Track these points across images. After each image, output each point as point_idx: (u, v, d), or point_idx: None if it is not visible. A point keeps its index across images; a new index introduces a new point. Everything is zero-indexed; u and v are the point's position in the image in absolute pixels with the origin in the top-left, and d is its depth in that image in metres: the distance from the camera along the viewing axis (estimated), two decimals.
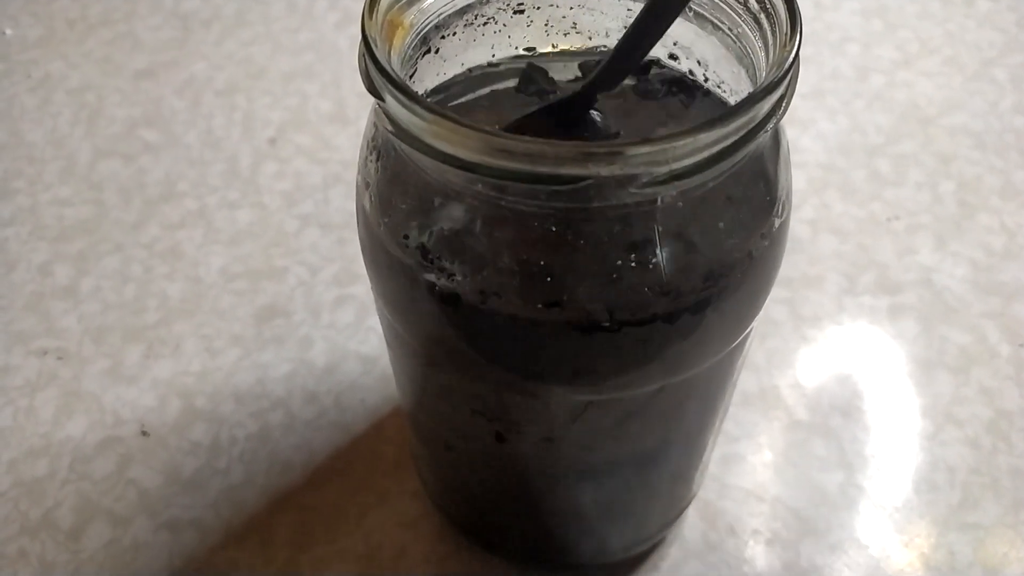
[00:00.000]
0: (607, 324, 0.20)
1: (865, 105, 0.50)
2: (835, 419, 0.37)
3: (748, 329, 0.24)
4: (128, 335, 0.40)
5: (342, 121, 0.50)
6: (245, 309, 0.41)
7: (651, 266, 0.20)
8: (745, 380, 0.38)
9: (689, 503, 0.33)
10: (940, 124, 0.49)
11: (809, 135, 0.49)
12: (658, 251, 0.20)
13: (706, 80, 0.25)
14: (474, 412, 0.25)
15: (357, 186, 0.24)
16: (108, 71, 0.53)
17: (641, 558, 0.33)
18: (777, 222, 0.22)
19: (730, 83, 0.24)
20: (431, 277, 0.21)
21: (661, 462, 0.27)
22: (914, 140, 0.48)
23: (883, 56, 0.53)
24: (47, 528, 0.34)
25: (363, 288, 0.41)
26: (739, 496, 0.35)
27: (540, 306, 0.20)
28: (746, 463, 0.36)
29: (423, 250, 0.21)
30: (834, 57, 0.53)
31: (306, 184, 0.46)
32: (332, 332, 0.40)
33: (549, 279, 0.20)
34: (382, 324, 0.26)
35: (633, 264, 0.20)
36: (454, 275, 0.21)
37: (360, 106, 0.50)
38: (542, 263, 0.20)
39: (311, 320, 0.40)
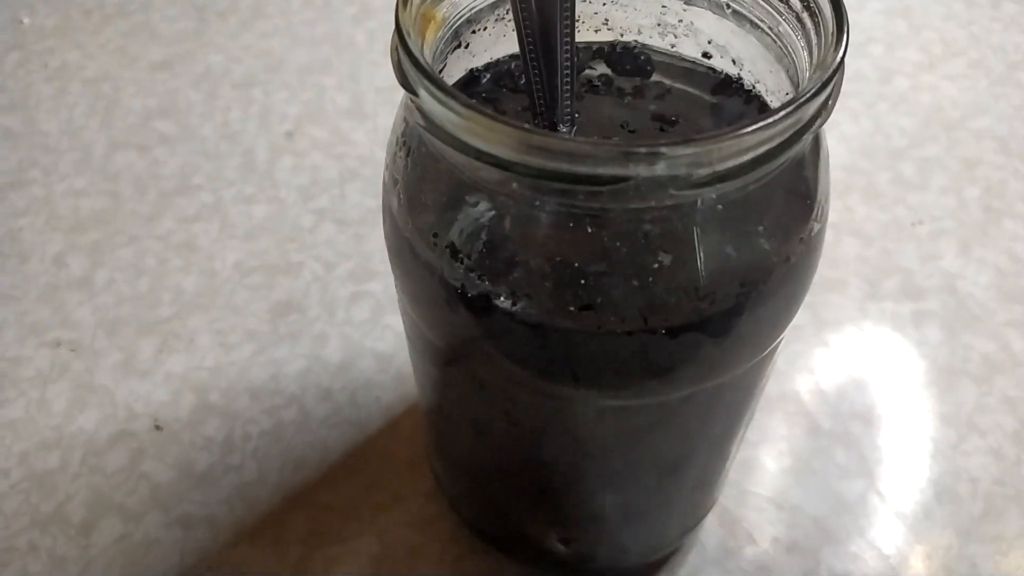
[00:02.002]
0: (641, 329, 0.20)
1: (889, 108, 0.50)
2: (856, 426, 0.36)
3: (781, 336, 0.23)
4: (142, 328, 0.40)
5: (359, 116, 0.49)
6: (260, 304, 0.40)
7: (688, 269, 0.20)
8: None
9: (709, 510, 0.33)
10: (965, 128, 0.49)
11: (832, 137, 0.48)
12: (696, 254, 0.19)
13: (740, 79, 0.25)
14: (496, 414, 0.24)
15: (384, 183, 0.23)
16: (124, 62, 0.53)
17: (659, 564, 0.33)
18: (816, 227, 0.22)
19: (767, 83, 0.24)
20: (460, 277, 0.21)
21: (685, 469, 0.27)
22: (938, 144, 0.48)
23: (907, 58, 0.53)
24: (58, 522, 0.34)
25: (379, 285, 0.41)
26: (758, 503, 0.34)
27: (572, 309, 0.20)
28: (766, 470, 0.35)
29: (453, 249, 0.21)
30: (857, 59, 0.53)
31: (322, 179, 0.45)
32: (348, 329, 0.39)
33: (583, 282, 0.20)
34: (404, 322, 0.26)
35: (670, 267, 0.19)
36: (484, 276, 0.20)
37: (378, 101, 0.50)
38: (576, 265, 0.20)
39: (326, 316, 0.40)
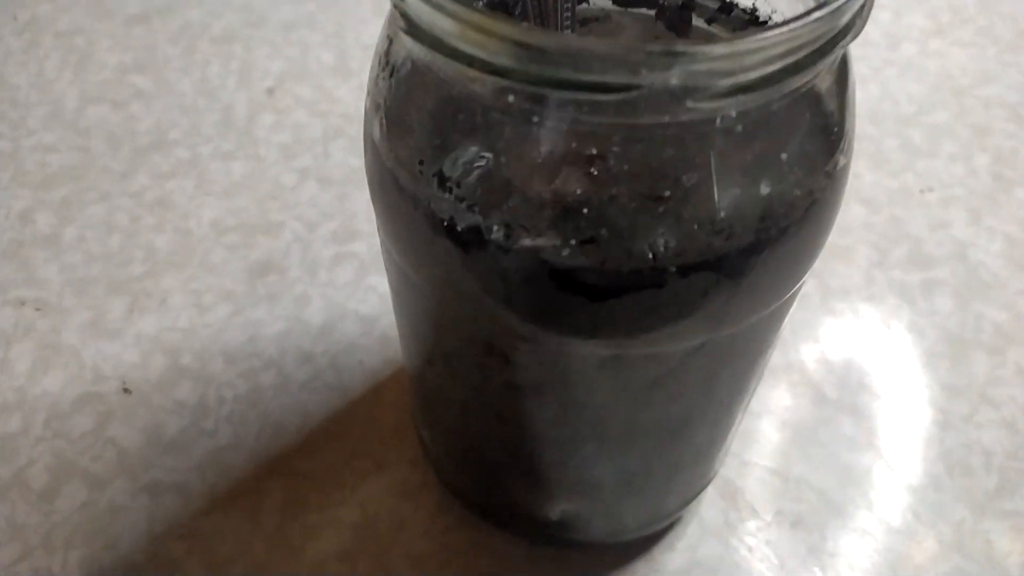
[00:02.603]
0: (649, 267, 0.18)
1: (896, 74, 0.48)
2: (863, 397, 0.35)
3: (800, 282, 0.21)
4: (112, 287, 0.38)
5: (345, 73, 0.47)
6: (237, 264, 0.38)
7: (703, 200, 0.18)
8: None
9: (710, 481, 0.31)
10: (974, 95, 0.47)
11: None
12: (712, 181, 0.17)
13: (755, 10, 0.23)
14: (488, 367, 0.22)
15: (366, 111, 0.21)
16: (99, 15, 0.50)
17: (656, 537, 0.31)
18: (841, 161, 0.20)
19: (784, 11, 0.22)
20: (448, 209, 0.19)
21: (689, 432, 0.25)
22: (947, 111, 0.46)
23: (914, 24, 0.51)
24: (18, 487, 0.32)
25: (364, 246, 0.39)
26: (761, 475, 0.33)
27: (573, 243, 0.18)
28: (769, 441, 0.33)
29: (440, 178, 0.19)
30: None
31: (305, 137, 0.43)
32: (330, 290, 0.37)
33: (585, 211, 0.18)
34: (388, 270, 0.24)
35: (683, 196, 0.18)
36: (475, 206, 0.18)
37: (364, 58, 0.48)
38: (578, 192, 0.18)
39: (307, 277, 0.38)
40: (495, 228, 0.18)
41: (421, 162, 0.19)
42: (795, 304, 0.23)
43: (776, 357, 0.36)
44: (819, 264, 0.38)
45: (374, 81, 0.21)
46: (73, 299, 0.37)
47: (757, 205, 0.18)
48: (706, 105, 0.16)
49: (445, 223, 0.19)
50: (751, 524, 0.31)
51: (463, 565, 0.31)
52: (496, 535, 0.31)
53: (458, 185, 0.19)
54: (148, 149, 0.43)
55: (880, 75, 0.48)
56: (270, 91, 0.45)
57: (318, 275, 0.38)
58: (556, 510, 0.29)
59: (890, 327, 0.37)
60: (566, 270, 0.18)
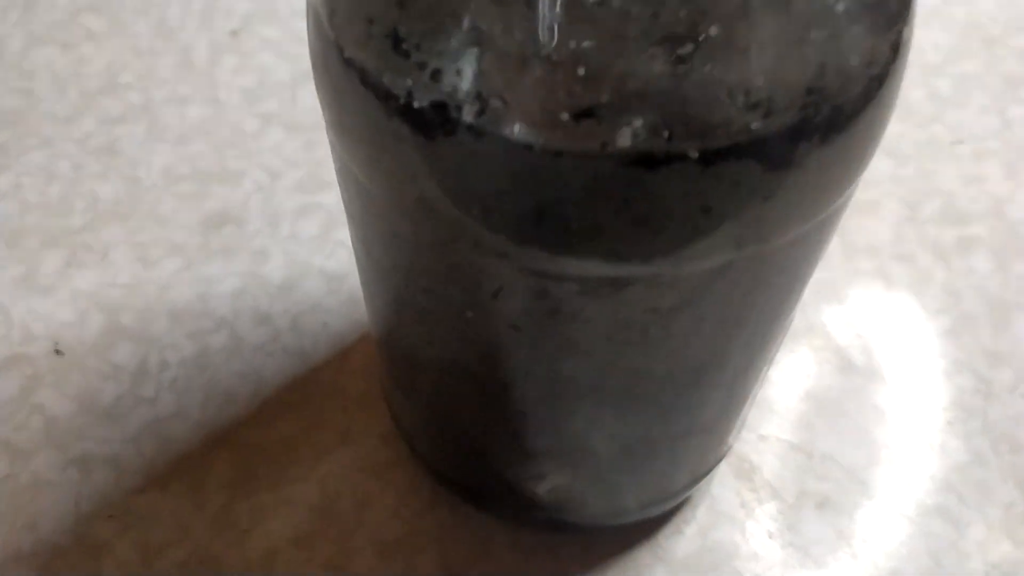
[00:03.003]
0: (663, 151, 0.14)
1: (920, 21, 0.44)
2: (896, 364, 0.31)
3: (852, 187, 0.17)
4: (48, 239, 0.33)
5: None
6: (190, 215, 0.34)
7: (735, 60, 0.13)
8: None
9: (723, 456, 0.27)
10: (1007, 45, 0.43)
11: None
12: (746, 34, 0.13)
13: None
14: (461, 301, 0.18)
15: None
16: None
17: (662, 520, 0.27)
18: (905, 32, 0.16)
19: None
20: (406, 81, 0.15)
21: (701, 388, 0.21)
22: (977, 60, 0.42)
23: None
24: None
25: (332, 197, 0.35)
26: (781, 451, 0.28)
27: (566, 117, 0.14)
28: (790, 412, 0.29)
29: (395, 38, 0.15)
30: None
31: (271, 81, 0.39)
32: (293, 244, 0.33)
33: (581, 72, 0.13)
34: (340, 179, 0.20)
35: (708, 54, 0.13)
36: (439, 73, 0.14)
37: None
38: (570, 46, 0.13)
39: (268, 230, 0.34)
40: (465, 102, 0.14)
41: (371, 22, 0.15)
42: (833, 232, 0.19)
43: (796, 320, 0.32)
44: (843, 220, 0.34)
45: None
46: (3, 251, 0.33)
47: (805, 71, 0.14)
48: None
49: (402, 100, 0.15)
50: (771, 506, 0.27)
51: (438, 551, 0.26)
52: (477, 517, 0.27)
53: (417, 47, 0.14)
54: (97, 93, 0.39)
55: None
56: (234, 33, 0.41)
57: (280, 228, 0.34)
58: (545, 485, 0.25)
59: (923, 287, 0.33)
60: (556, 158, 0.14)
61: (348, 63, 0.16)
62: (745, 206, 0.15)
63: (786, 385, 0.30)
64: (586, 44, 0.13)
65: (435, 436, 0.26)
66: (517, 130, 0.14)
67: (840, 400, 0.30)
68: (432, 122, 0.15)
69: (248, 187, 0.35)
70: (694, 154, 0.14)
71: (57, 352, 0.31)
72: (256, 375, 0.30)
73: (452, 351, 0.21)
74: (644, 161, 0.14)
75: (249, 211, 0.34)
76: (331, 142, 0.18)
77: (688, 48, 0.13)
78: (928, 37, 0.43)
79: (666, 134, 0.14)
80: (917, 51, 0.42)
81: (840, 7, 0.14)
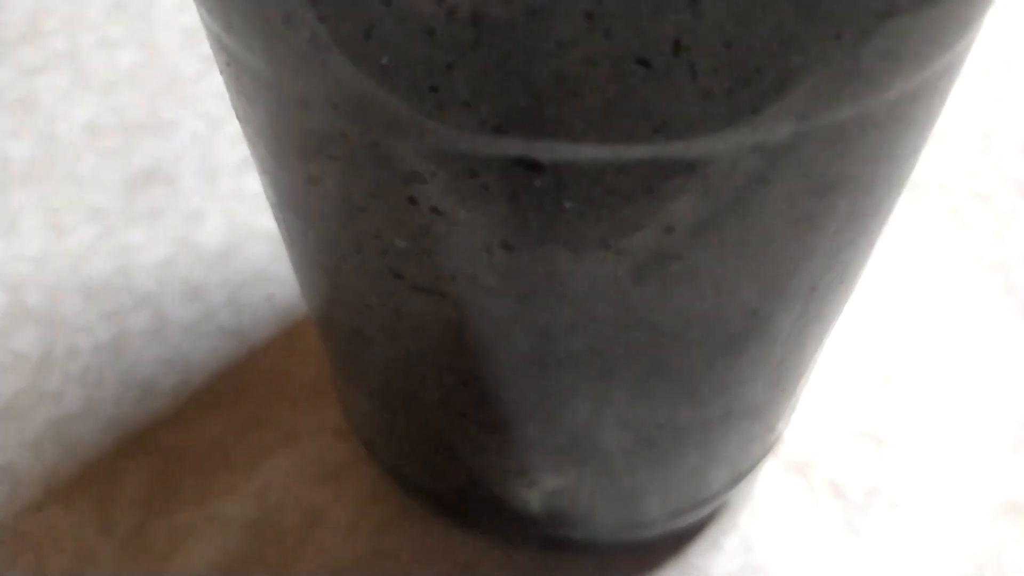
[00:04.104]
0: None
1: None
2: (980, 330, 0.24)
3: (975, 30, 0.11)
4: None
5: None
6: (113, 174, 0.28)
7: None
8: None
9: (771, 447, 0.21)
10: None
11: None
12: None
13: None
14: (391, 229, 0.12)
15: None
16: None
17: (693, 533, 0.21)
18: None
19: None
20: None
21: (747, 353, 0.15)
22: None
23: None
24: None
25: None
26: (845, 439, 0.22)
27: None
28: (853, 391, 0.23)
29: None
30: None
31: None
32: (233, 203, 0.27)
33: None
34: (218, 63, 0.14)
35: None
36: None
37: None
38: None
39: (205, 188, 0.28)
40: None
41: None
42: (944, 102, 0.13)
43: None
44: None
45: None
46: None
47: None
48: None
49: None
50: (832, 509, 0.21)
51: None
52: (456, 534, 0.21)
53: None
54: (17, 41, 0.33)
55: None
56: None
57: (219, 184, 0.28)
58: (540, 492, 0.19)
59: (1002, 232, 0.27)
60: None
61: None
62: (825, 32, 0.09)
63: (848, 356, 0.24)
64: None
65: (396, 432, 0.20)
66: None
67: (914, 375, 0.24)
68: None
69: (183, 138, 0.29)
70: None
71: None
72: (183, 362, 0.24)
73: (397, 309, 0.15)
74: None
75: (184, 166, 0.28)
76: (210, 32, 0.13)
77: None
78: None
79: None
80: None
81: None
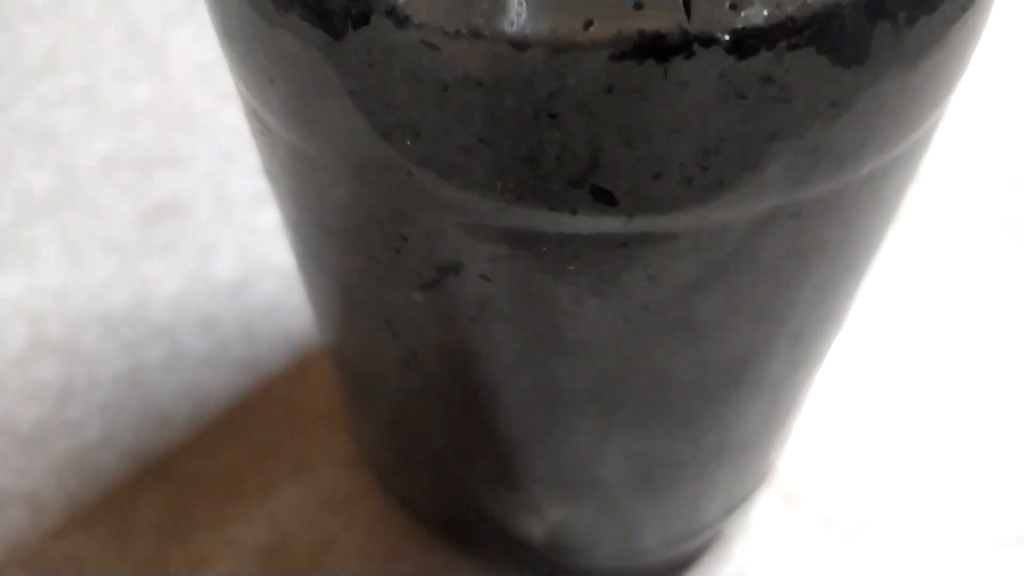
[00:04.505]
0: (679, 35, 0.09)
1: None
2: (970, 361, 0.25)
3: (945, 103, 0.12)
4: None
5: None
6: (130, 206, 0.29)
7: None
8: None
9: (764, 478, 0.22)
10: None
11: None
12: None
13: None
14: (408, 285, 0.13)
15: None
16: None
17: (689, 561, 0.22)
18: None
19: None
20: None
21: (741, 392, 0.16)
22: None
23: None
24: None
25: None
26: (836, 469, 0.23)
27: None
28: (845, 420, 0.24)
29: None
30: None
31: None
32: (247, 236, 0.28)
33: None
34: (253, 136, 0.15)
35: None
36: None
37: None
38: None
39: (220, 221, 0.29)
40: None
41: None
42: (917, 171, 0.14)
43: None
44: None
45: None
46: None
47: None
48: None
49: (315, 5, 0.10)
50: (823, 538, 0.22)
51: None
52: (461, 560, 0.22)
53: None
54: (35, 75, 0.34)
55: None
56: (191, 2, 0.36)
57: (233, 217, 0.29)
58: (543, 521, 0.20)
59: (994, 269, 0.28)
60: (516, 47, 0.09)
61: None
62: (802, 122, 0.10)
63: (839, 389, 0.25)
64: None
65: (405, 462, 0.21)
66: (458, 10, 0.09)
67: (905, 407, 0.24)
68: (336, 8, 0.10)
69: (199, 172, 0.30)
70: (724, 37, 0.09)
71: None
72: (199, 392, 0.25)
73: (410, 353, 0.16)
74: (648, 50, 0.09)
75: (199, 200, 0.29)
76: (235, 80, 0.14)
77: None
78: None
79: (682, 3, 0.09)
80: None
81: None
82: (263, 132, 0.13)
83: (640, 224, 0.11)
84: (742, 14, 0.09)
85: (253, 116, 0.13)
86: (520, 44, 0.09)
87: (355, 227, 0.13)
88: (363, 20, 0.10)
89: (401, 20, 0.10)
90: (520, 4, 0.09)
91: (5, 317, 0.27)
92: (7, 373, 0.26)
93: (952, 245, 0.28)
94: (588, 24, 0.09)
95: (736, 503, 0.21)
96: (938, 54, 0.11)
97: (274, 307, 0.27)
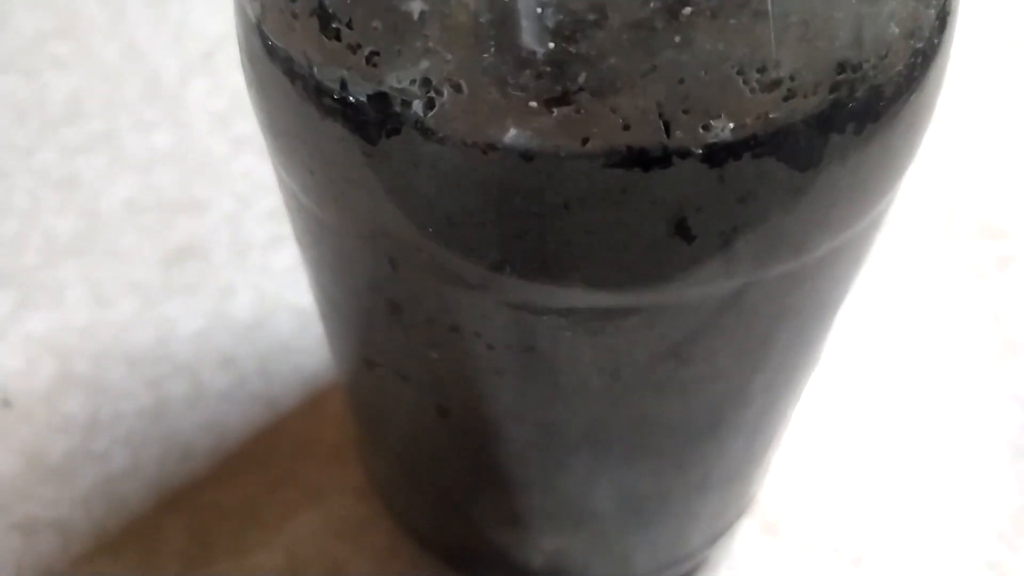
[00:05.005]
0: (660, 147, 0.11)
1: None
2: (939, 397, 0.27)
3: (893, 192, 0.14)
4: (0, 279, 0.31)
5: None
6: (151, 249, 0.31)
7: (748, 24, 0.10)
8: None
9: (745, 509, 0.24)
10: None
11: None
12: (764, 1, 0.10)
13: None
14: (426, 341, 0.15)
15: None
16: None
17: None
18: (954, 2, 0.13)
19: None
20: (338, 70, 0.12)
21: (719, 434, 0.18)
22: (1013, 61, 0.39)
23: None
24: None
25: None
26: (812, 500, 0.25)
27: (535, 106, 0.11)
28: (820, 454, 0.26)
29: (321, 16, 0.12)
30: None
31: (244, 103, 0.36)
32: (263, 278, 0.30)
33: (551, 46, 0.11)
34: (286, 204, 0.17)
35: (714, 24, 0.10)
36: (376, 57, 0.11)
37: None
38: (538, 14, 0.10)
39: (236, 263, 0.31)
40: (410, 93, 0.11)
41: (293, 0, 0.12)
42: (871, 247, 0.16)
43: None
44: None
45: None
46: None
47: (835, 42, 0.11)
48: None
49: (335, 95, 0.12)
50: (801, 565, 0.24)
51: None
52: None
53: (349, 24, 0.11)
54: (59, 122, 0.36)
55: None
56: (207, 55, 0.38)
57: (249, 260, 0.31)
58: (541, 550, 0.22)
59: (960, 311, 0.29)
60: (525, 160, 0.11)
61: (273, 52, 0.13)
62: (764, 215, 0.12)
63: (815, 424, 0.27)
64: (558, 10, 0.10)
65: (413, 494, 0.23)
66: (476, 126, 0.11)
67: (877, 440, 0.26)
68: (372, 120, 0.12)
69: (216, 216, 0.32)
70: (698, 150, 0.11)
71: (5, 403, 0.28)
72: (218, 426, 0.27)
73: (420, 401, 0.17)
74: (635, 160, 0.11)
75: (216, 243, 0.31)
76: (272, 157, 0.16)
77: (686, 17, 0.10)
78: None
79: (662, 125, 0.11)
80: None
81: None
82: (298, 209, 0.15)
83: (628, 300, 0.13)
84: (712, 132, 0.11)
85: (290, 195, 0.15)
86: (528, 156, 0.11)
87: (378, 292, 0.15)
88: (395, 131, 0.12)
89: (427, 132, 0.11)
90: (529, 123, 0.11)
91: (35, 353, 0.29)
92: (37, 407, 0.28)
93: (922, 287, 0.30)
94: (585, 141, 0.11)
95: (720, 532, 0.23)
96: (884, 153, 0.13)
97: (288, 345, 0.29)
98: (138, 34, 0.40)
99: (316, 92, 0.12)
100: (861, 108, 0.12)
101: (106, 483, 0.26)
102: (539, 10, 0.10)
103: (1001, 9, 0.41)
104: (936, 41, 0.12)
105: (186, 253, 0.31)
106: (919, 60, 0.12)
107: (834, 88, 0.11)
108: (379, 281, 0.15)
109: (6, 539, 0.25)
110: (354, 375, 0.20)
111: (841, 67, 0.11)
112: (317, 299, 0.19)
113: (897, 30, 0.12)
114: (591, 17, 0.10)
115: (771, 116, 0.11)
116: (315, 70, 0.12)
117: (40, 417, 0.27)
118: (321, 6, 0.12)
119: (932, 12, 0.12)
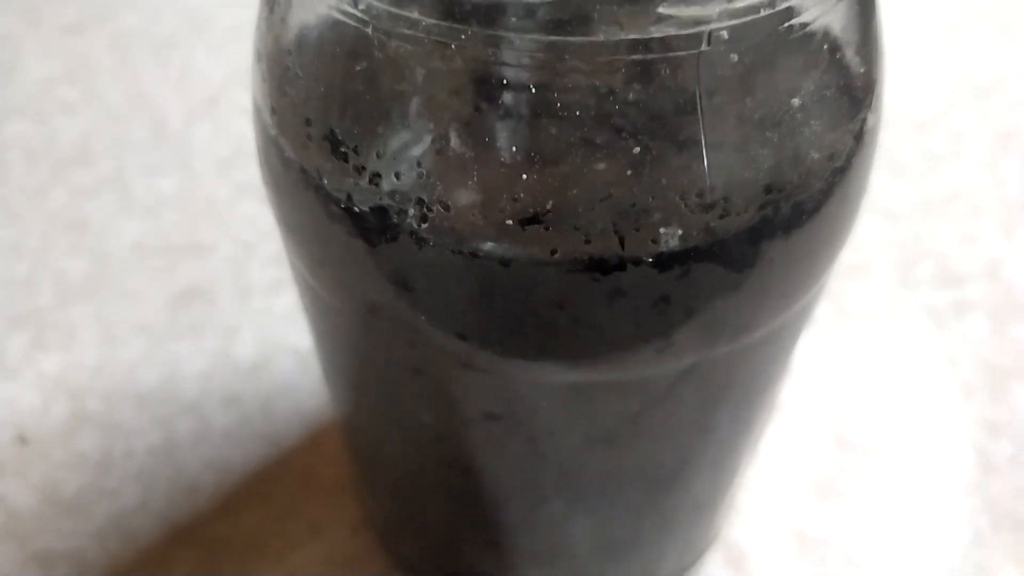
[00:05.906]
0: (616, 256, 0.13)
1: (910, 78, 0.43)
2: (893, 439, 0.29)
3: (819, 283, 0.16)
4: (13, 320, 0.32)
5: None
6: (158, 291, 0.33)
7: (687, 161, 0.13)
8: None
9: (712, 541, 0.26)
10: (997, 97, 0.42)
11: None
12: (699, 135, 0.12)
13: None
14: (419, 402, 0.17)
15: (252, 68, 0.16)
16: (30, 22, 0.46)
17: None
18: (870, 120, 0.15)
19: None
20: (345, 184, 0.14)
21: (682, 482, 0.20)
22: (968, 114, 0.41)
23: (928, 24, 0.47)
24: None
25: None
26: (774, 535, 0.27)
27: (511, 224, 0.13)
28: (782, 493, 0.28)
29: (332, 141, 0.14)
30: None
31: (248, 149, 0.38)
32: (265, 320, 0.32)
33: (525, 177, 0.13)
34: (296, 281, 0.19)
35: (659, 156, 0.12)
36: (378, 178, 0.13)
37: None
38: (513, 150, 0.13)
39: (239, 305, 0.33)
40: (406, 208, 0.13)
41: (308, 122, 0.14)
42: (808, 322, 0.18)
43: (785, 394, 0.30)
44: (833, 283, 0.33)
45: (257, 27, 0.16)
46: None
47: (762, 170, 0.13)
48: (686, 12, 0.11)
49: (342, 204, 0.14)
50: None
51: None
52: None
53: (355, 150, 0.13)
54: (68, 164, 0.38)
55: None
56: (211, 100, 0.40)
57: (252, 302, 0.33)
58: None
59: (918, 355, 0.32)
60: (503, 265, 0.13)
61: (289, 163, 0.15)
62: (707, 308, 0.14)
63: (777, 463, 0.29)
64: (530, 148, 0.12)
65: (406, 530, 0.24)
66: (461, 237, 0.13)
67: (834, 479, 0.28)
68: (373, 227, 0.14)
69: (220, 260, 0.34)
70: (648, 258, 0.13)
71: (22, 440, 0.29)
72: (224, 463, 0.29)
73: (412, 451, 0.19)
74: (596, 267, 0.13)
75: (220, 285, 0.33)
76: (284, 243, 0.18)
77: (636, 154, 0.12)
78: (918, 92, 0.42)
79: (617, 239, 0.13)
80: (906, 107, 0.42)
81: (795, 104, 0.13)
82: (308, 290, 0.17)
83: (594, 376, 0.15)
84: (660, 244, 0.13)
85: (300, 279, 0.17)
86: (505, 263, 0.13)
87: (372, 361, 0.17)
88: (393, 238, 0.14)
89: (421, 240, 0.13)
90: (506, 237, 0.13)
91: (48, 393, 0.31)
92: (51, 445, 0.29)
93: (880, 333, 0.32)
94: (553, 252, 0.13)
95: (687, 565, 0.25)
96: (810, 252, 0.15)
97: (290, 385, 0.30)
98: (145, 79, 0.42)
99: (326, 200, 0.14)
100: (787, 220, 0.14)
101: (119, 517, 0.28)
102: (514, 149, 0.12)
103: (956, 61, 0.44)
104: (854, 157, 0.15)
105: (192, 295, 0.33)
106: (838, 177, 0.14)
107: (763, 206, 0.13)
108: (374, 352, 0.17)
109: (25, 570, 0.27)
110: (350, 425, 0.22)
111: (768, 189, 0.13)
112: (319, 357, 0.21)
113: (817, 155, 0.14)
114: (558, 157, 0.12)
115: (709, 229, 0.13)
116: (325, 181, 0.14)
117: (56, 454, 0.29)
118: (332, 133, 0.14)
119: (850, 135, 0.14)
